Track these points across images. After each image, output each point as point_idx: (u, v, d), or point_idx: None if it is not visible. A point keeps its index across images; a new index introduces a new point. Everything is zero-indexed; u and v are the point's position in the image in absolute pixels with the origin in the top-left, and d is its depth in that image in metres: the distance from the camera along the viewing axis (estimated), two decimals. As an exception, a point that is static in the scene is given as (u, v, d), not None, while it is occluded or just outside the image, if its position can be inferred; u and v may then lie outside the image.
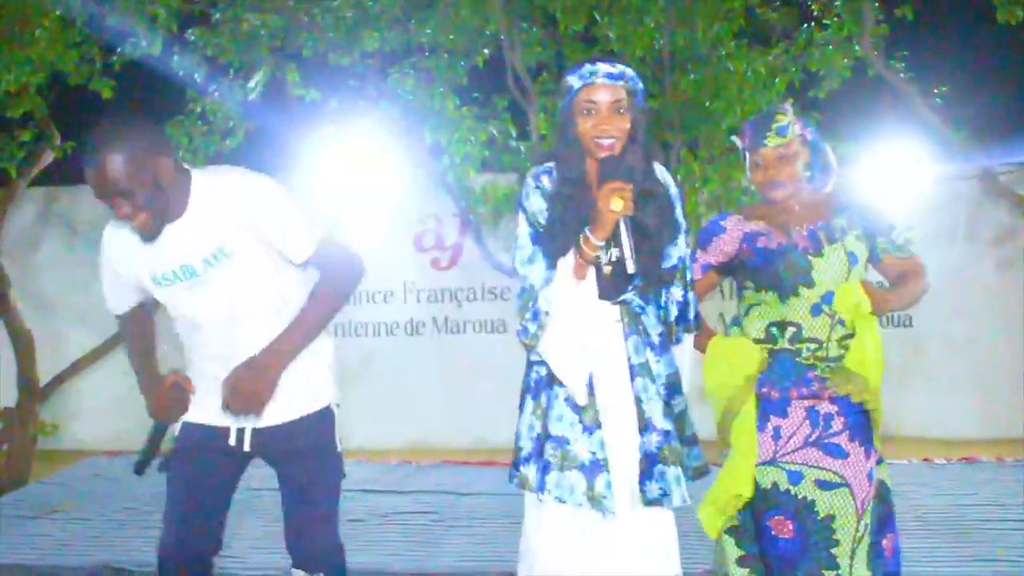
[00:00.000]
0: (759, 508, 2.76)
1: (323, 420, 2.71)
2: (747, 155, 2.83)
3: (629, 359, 2.62)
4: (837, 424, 2.74)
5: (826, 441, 2.73)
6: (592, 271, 2.57)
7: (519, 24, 5.90)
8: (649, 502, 2.59)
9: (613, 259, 2.57)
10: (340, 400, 2.77)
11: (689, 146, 6.01)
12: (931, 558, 4.07)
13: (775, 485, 2.73)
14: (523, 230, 2.64)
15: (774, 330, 2.76)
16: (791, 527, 2.72)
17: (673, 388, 2.69)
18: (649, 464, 2.60)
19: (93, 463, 6.41)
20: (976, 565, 4.06)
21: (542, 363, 2.64)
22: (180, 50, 5.90)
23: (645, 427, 2.61)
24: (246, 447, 2.65)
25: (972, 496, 5.13)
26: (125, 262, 2.62)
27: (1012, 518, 4.69)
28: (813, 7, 6.20)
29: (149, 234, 2.48)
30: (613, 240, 2.53)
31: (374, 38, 6.06)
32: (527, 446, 2.65)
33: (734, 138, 2.97)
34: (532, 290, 2.61)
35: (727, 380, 2.78)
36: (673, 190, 2.72)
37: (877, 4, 5.96)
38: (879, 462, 2.81)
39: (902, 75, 6.04)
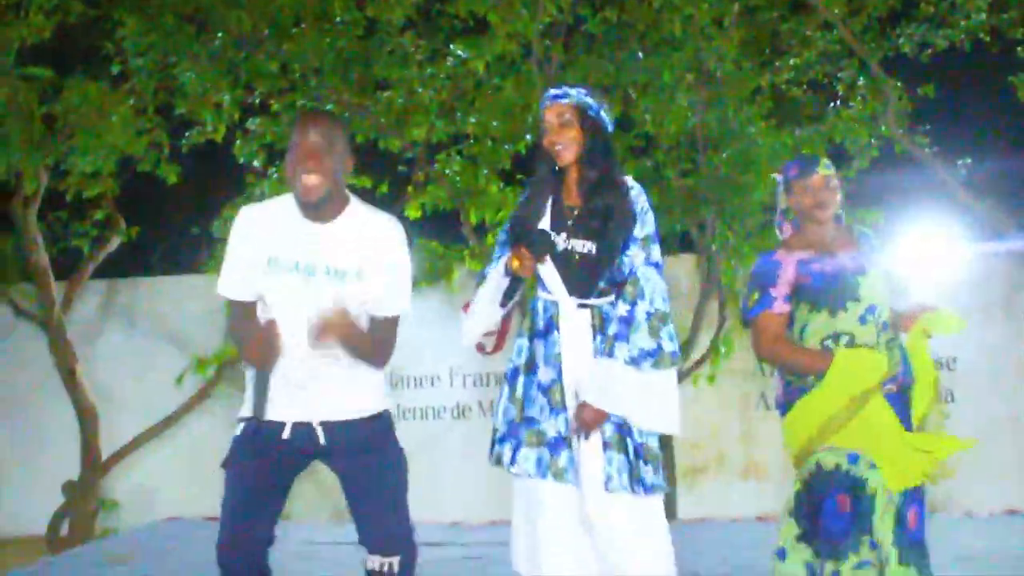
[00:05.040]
0: (824, 488, 3.02)
1: (381, 420, 2.92)
2: (792, 185, 3.20)
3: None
4: None
5: None
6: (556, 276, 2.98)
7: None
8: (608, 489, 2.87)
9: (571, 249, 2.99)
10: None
11: (724, 219, 6.23)
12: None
13: (837, 466, 3.02)
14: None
15: (829, 342, 3.11)
16: (849, 503, 3.00)
17: None
18: (605, 450, 2.90)
19: (154, 524, 6.47)
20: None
21: (517, 355, 3.04)
22: (241, 136, 6.28)
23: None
24: (321, 440, 2.80)
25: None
26: (254, 240, 2.81)
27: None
28: (838, 88, 6.49)
29: (308, 203, 2.73)
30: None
31: (422, 126, 6.42)
32: (501, 428, 3.04)
33: (776, 176, 3.37)
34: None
35: (850, 390, 3.02)
36: (639, 204, 3.03)
37: (899, 84, 6.25)
38: None
39: (926, 149, 6.27)
